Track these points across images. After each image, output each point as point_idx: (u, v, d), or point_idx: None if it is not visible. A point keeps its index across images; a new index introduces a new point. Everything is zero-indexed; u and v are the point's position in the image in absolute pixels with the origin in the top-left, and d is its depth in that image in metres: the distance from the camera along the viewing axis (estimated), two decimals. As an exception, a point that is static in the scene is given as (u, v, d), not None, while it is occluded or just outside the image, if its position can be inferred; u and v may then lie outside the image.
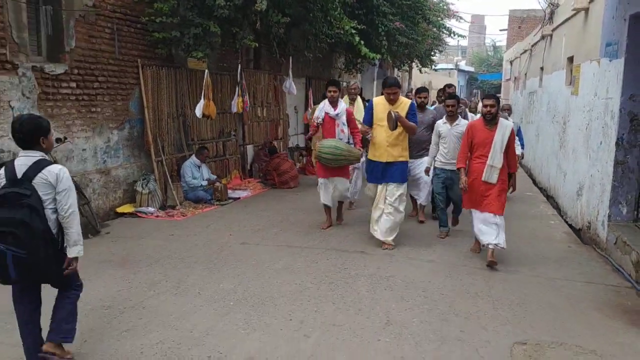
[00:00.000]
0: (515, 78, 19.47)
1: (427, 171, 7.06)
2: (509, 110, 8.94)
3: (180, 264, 5.56)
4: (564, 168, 8.99)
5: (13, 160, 3.30)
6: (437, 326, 4.18)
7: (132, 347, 3.73)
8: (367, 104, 6.97)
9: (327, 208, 7.20)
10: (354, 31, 9.99)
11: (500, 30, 36.30)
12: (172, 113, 8.80)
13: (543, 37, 11.98)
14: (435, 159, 6.88)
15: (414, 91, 11.63)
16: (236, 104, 9.22)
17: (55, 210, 3.25)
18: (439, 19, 16.97)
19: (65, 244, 3.29)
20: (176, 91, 8.91)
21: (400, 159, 6.26)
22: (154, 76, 8.33)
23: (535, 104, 13.35)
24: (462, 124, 6.64)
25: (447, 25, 16.60)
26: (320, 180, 7.00)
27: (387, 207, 6.24)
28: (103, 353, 3.66)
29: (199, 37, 7.96)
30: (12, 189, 3.16)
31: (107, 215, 7.53)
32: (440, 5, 19.30)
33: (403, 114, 6.08)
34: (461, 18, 23.20)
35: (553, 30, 11.04)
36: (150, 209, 7.89)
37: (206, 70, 8.46)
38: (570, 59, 9.18)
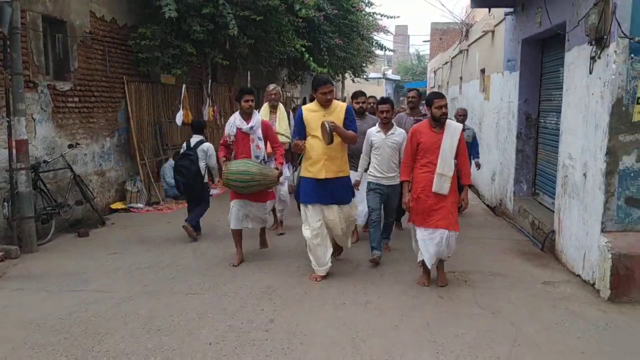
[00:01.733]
0: (439, 86, 21.77)
1: (356, 185, 6.02)
2: (464, 115, 8.48)
3: (186, 239, 6.93)
4: (481, 160, 10.98)
5: (189, 138, 7.26)
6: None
7: (182, 285, 5.13)
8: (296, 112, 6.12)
9: (237, 237, 5.89)
10: (303, 49, 11.63)
11: (424, 41, 38.83)
12: (150, 122, 10.10)
13: (461, 51, 14.10)
14: (369, 172, 5.99)
15: (347, 98, 13.26)
16: (207, 113, 10.62)
17: (205, 162, 7.04)
18: (371, 34, 18.98)
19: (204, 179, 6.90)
20: (153, 103, 10.22)
21: (341, 174, 5.27)
22: (136, 90, 9.62)
23: (455, 108, 15.47)
24: (397, 133, 5.87)
25: (379, 40, 18.66)
26: (232, 203, 5.80)
27: (339, 226, 5.37)
28: (159, 290, 5.04)
29: (177, 56, 9.37)
30: (187, 151, 7.06)
31: (104, 211, 8.73)
32: (370, 19, 21.36)
33: (339, 121, 5.15)
34: (388, 31, 25.52)
35: (469, 45, 13.15)
36: (140, 205, 9.17)
37: (184, 85, 9.85)
38: (483, 71, 11.23)
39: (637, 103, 4.71)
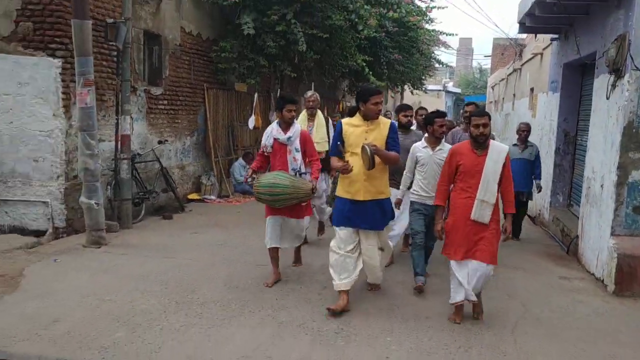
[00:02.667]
0: (495, 101, 22.30)
1: (397, 203, 5.66)
2: (526, 130, 8.03)
3: (253, 226, 8.05)
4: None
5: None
6: None
7: (251, 258, 6.24)
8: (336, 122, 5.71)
9: (274, 255, 5.55)
10: (364, 63, 12.67)
11: (485, 56, 39.23)
12: (224, 124, 11.39)
13: (514, 70, 14.77)
14: (412, 191, 5.56)
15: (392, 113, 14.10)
16: (275, 119, 11.80)
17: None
18: (431, 50, 19.80)
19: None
20: (228, 108, 11.51)
21: (381, 196, 4.77)
22: (214, 96, 10.93)
23: (509, 124, 16.09)
24: (446, 149, 5.26)
25: (437, 57, 19.47)
26: (267, 219, 5.50)
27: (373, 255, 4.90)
28: (234, 260, 6.17)
29: (251, 68, 10.62)
30: None
31: (183, 200, 10.03)
32: (432, 34, 22.14)
33: (382, 137, 4.70)
34: (449, 46, 26.19)
35: (521, 65, 13.83)
36: (212, 197, 10.43)
37: (256, 93, 11.10)
38: (532, 90, 11.92)
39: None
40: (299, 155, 5.46)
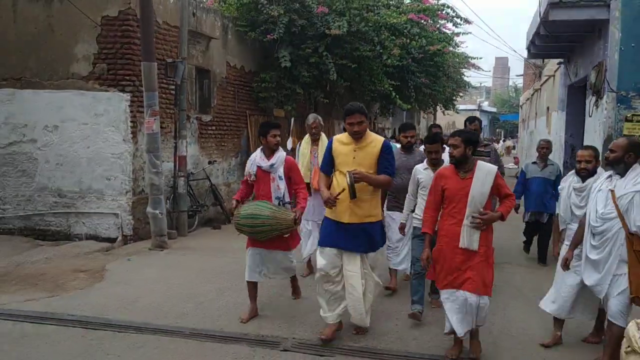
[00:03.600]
0: (523, 120, 23.08)
1: (401, 228, 5.55)
2: (546, 148, 7.14)
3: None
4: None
5: None
6: None
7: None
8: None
9: (251, 289, 5.26)
10: (390, 88, 13.81)
11: (517, 75, 39.52)
12: (265, 147, 12.68)
13: (535, 90, 15.67)
14: (415, 215, 5.29)
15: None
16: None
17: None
18: (460, 72, 20.79)
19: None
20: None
21: (369, 219, 4.49)
22: (255, 122, 12.23)
23: (533, 142, 16.91)
24: None
25: (465, 79, 20.45)
26: (247, 250, 5.24)
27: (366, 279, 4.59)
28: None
29: (288, 95, 11.90)
30: None
31: (228, 213, 11.29)
32: (458, 58, 23.09)
33: (371, 157, 4.45)
34: (480, 68, 27.11)
35: (540, 85, 14.74)
36: (255, 211, 11.67)
37: (292, 118, 12.35)
38: (548, 108, 12.83)
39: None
40: (282, 184, 5.10)
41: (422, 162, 5.42)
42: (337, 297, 4.57)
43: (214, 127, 10.82)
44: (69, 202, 8.59)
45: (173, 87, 9.13)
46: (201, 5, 10.36)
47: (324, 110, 15.57)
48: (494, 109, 55.95)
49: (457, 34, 17.67)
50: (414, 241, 5.23)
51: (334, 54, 11.64)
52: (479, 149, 5.52)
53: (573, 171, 4.78)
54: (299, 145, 6.85)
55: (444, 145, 5.38)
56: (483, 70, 41.26)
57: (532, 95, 17.50)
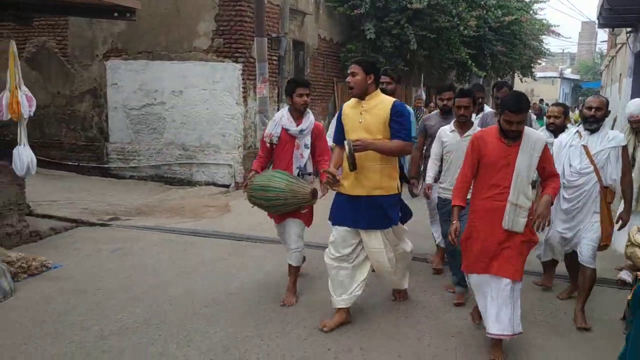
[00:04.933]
0: (602, 87, 23.13)
1: (427, 188, 4.97)
2: (539, 111, 6.47)
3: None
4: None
5: None
6: None
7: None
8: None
9: (291, 270, 4.70)
10: (467, 57, 14.75)
11: (601, 41, 38.16)
12: (349, 111, 14.10)
13: (612, 57, 16.07)
14: (439, 184, 4.82)
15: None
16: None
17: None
18: (537, 40, 21.10)
19: None
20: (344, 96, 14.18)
21: (377, 192, 3.97)
22: (341, 88, 13.64)
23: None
24: None
25: (542, 47, 20.80)
26: (276, 226, 4.83)
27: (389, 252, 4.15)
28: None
29: (372, 64, 13.19)
30: None
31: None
32: (539, 25, 23.24)
33: (380, 120, 3.90)
34: (559, 34, 27.00)
35: (616, 53, 15.18)
36: (340, 168, 13.17)
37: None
38: (620, 75, 13.40)
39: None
40: (307, 153, 4.52)
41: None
42: (349, 281, 4.09)
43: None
44: (191, 155, 10.39)
45: (276, 58, 10.65)
46: (298, -15, 11.78)
47: (402, 77, 16.74)
48: (577, 76, 54.21)
49: (536, 1, 18.18)
50: (440, 217, 4.84)
51: (414, 25, 12.75)
52: None
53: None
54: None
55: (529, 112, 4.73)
56: (563, 37, 40.36)
57: (610, 62, 17.79)
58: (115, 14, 6.04)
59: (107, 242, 6.29)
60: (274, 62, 10.70)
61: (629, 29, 10.65)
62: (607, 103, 4.26)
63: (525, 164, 3.55)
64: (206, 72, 10.09)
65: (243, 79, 9.95)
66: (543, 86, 39.50)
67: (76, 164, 10.93)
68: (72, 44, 10.86)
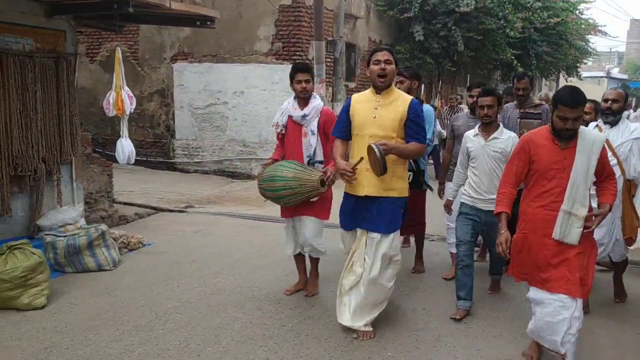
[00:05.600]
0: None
1: (447, 206, 4.82)
2: (545, 100, 6.48)
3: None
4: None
5: None
6: None
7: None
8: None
9: (298, 264, 4.69)
10: (512, 57, 15.12)
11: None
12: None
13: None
14: (463, 190, 4.48)
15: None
16: (437, 105, 14.84)
17: None
18: (583, 39, 21.19)
19: None
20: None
21: (390, 193, 3.74)
22: (390, 88, 14.23)
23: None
24: (504, 138, 4.27)
25: (588, 46, 20.88)
26: (284, 221, 4.65)
27: (364, 270, 3.76)
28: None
29: (420, 65, 13.74)
30: None
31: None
32: (585, 24, 23.24)
33: (396, 118, 3.68)
34: (606, 34, 26.84)
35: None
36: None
37: (422, 85, 14.21)
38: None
39: None
40: (314, 140, 4.32)
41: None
42: (353, 286, 3.82)
43: (357, 92, 12.92)
44: (251, 151, 11.18)
45: (330, 60, 11.34)
46: (350, -10, 12.45)
47: (448, 77, 17.23)
48: (624, 76, 53.05)
49: (582, 1, 18.35)
50: (458, 220, 4.40)
51: (461, 27, 13.26)
52: (527, 110, 5.10)
53: None
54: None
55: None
56: (610, 36, 39.61)
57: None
58: (198, 23, 6.80)
59: (188, 225, 7.09)
60: (329, 63, 11.38)
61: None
62: (626, 95, 4.24)
63: (583, 168, 3.18)
64: (266, 73, 10.84)
65: (300, 80, 10.66)
66: (589, 85, 38.87)
67: (145, 159, 11.85)
68: (143, 48, 11.81)
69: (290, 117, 4.41)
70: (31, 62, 5.74)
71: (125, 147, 6.18)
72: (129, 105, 5.98)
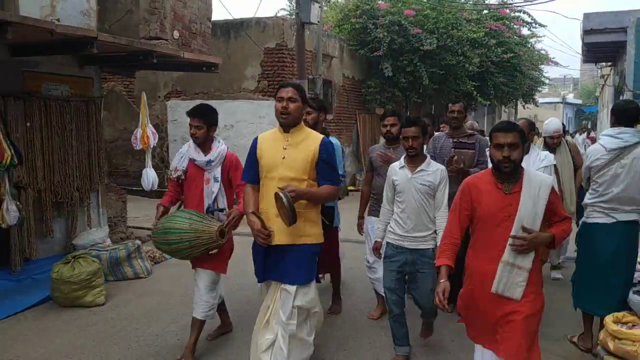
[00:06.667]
0: (598, 110, 25.00)
1: (375, 249, 4.23)
2: (471, 129, 5.70)
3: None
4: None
5: None
6: None
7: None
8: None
9: (194, 324, 4.17)
10: (472, 88, 16.68)
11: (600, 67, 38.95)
12: (370, 137, 16.02)
13: (602, 86, 17.98)
14: (389, 228, 4.06)
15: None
16: (405, 133, 16.25)
17: None
18: (537, 69, 23.07)
19: None
20: (371, 127, 16.13)
21: (304, 240, 3.41)
22: (362, 119, 15.59)
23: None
24: (432, 170, 3.94)
25: (540, 75, 22.80)
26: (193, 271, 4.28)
27: (280, 326, 3.39)
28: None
29: (389, 97, 15.16)
30: None
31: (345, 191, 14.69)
32: (537, 56, 25.14)
33: (307, 158, 3.37)
34: (557, 63, 29.02)
35: (605, 81, 17.09)
36: (364, 188, 15.02)
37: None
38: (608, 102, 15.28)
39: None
40: (217, 187, 4.07)
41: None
42: (270, 344, 3.44)
43: (334, 124, 14.25)
44: (241, 178, 12.25)
45: (310, 94, 12.61)
46: (326, 33, 13.83)
47: (415, 108, 18.74)
48: (579, 101, 55.91)
49: (533, 36, 20.20)
50: (384, 263, 4.05)
51: (425, 64, 14.72)
52: (461, 139, 4.84)
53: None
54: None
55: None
56: (562, 65, 42.21)
57: (601, 90, 19.70)
58: (204, 68, 7.96)
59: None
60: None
61: (608, 64, 12.51)
62: (531, 124, 4.67)
63: (529, 215, 2.88)
64: (253, 109, 12.03)
65: (284, 114, 11.88)
66: (546, 111, 41.25)
67: (140, 189, 12.80)
68: (138, 87, 12.89)
69: (192, 161, 4.15)
70: (68, 105, 6.82)
71: (149, 176, 7.24)
72: (153, 140, 7.05)
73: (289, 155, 3.41)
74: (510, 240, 2.88)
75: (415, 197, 3.91)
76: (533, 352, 2.89)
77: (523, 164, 3.01)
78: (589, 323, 4.31)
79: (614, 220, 4.08)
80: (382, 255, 4.12)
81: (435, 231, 3.91)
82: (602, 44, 9.60)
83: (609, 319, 3.96)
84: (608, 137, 4.19)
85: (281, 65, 11.81)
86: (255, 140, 3.64)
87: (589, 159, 4.26)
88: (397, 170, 4.03)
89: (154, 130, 7.18)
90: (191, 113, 4.17)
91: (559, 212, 3.04)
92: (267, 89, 11.93)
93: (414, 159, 3.98)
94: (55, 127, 6.65)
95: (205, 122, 4.16)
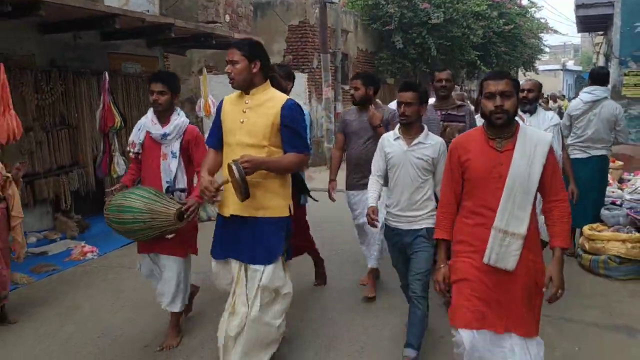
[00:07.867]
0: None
1: (370, 219, 3.48)
2: (461, 98, 5.78)
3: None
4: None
5: None
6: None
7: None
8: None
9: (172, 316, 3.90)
10: (476, 58, 17.93)
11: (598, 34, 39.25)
12: (382, 107, 17.35)
13: (597, 53, 19.17)
14: (387, 206, 3.62)
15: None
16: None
17: None
18: (537, 38, 24.21)
19: None
20: (382, 97, 17.41)
21: (264, 213, 3.08)
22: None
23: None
24: (431, 143, 3.46)
25: (540, 44, 23.97)
26: (138, 256, 3.95)
27: (247, 308, 3.08)
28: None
29: (399, 68, 16.44)
30: None
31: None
32: (537, 25, 26.22)
33: (267, 124, 3.05)
34: (556, 31, 30.08)
35: (599, 49, 18.30)
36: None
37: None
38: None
39: (624, 86, 10.43)
40: (175, 163, 3.70)
41: (389, 124, 4.07)
42: (240, 331, 3.12)
43: (349, 95, 15.54)
44: (270, 144, 13.64)
45: (331, 68, 13.93)
46: (342, 10, 15.06)
47: (423, 77, 20.03)
48: (579, 68, 56.55)
49: (532, 6, 21.37)
50: (392, 247, 3.71)
51: (433, 36, 15.95)
52: (450, 112, 4.51)
53: None
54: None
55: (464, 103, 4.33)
56: (561, 33, 42.94)
57: (597, 58, 20.88)
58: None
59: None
60: (329, 70, 13.98)
61: (601, 32, 13.70)
62: (539, 85, 4.62)
63: (522, 175, 2.57)
64: (279, 81, 13.32)
65: (308, 85, 13.23)
66: (546, 78, 41.98)
67: (178, 156, 14.22)
68: (174, 64, 14.17)
69: (148, 134, 3.74)
70: (142, 81, 8.18)
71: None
72: (213, 108, 8.42)
73: (248, 119, 3.08)
74: (501, 204, 2.57)
75: (410, 173, 3.43)
76: (534, 325, 2.64)
77: (533, 125, 2.94)
78: (572, 234, 5.73)
79: (589, 155, 5.53)
80: (379, 228, 3.71)
81: (435, 208, 3.33)
82: (592, 17, 10.84)
83: (586, 228, 5.41)
84: (585, 93, 5.62)
85: (304, 41, 13.09)
86: (220, 102, 3.29)
87: (570, 109, 5.68)
88: (392, 142, 3.52)
89: (214, 100, 8.52)
90: (153, 78, 3.77)
91: (556, 182, 2.64)
92: (292, 63, 13.22)
93: (409, 130, 3.48)
94: (133, 99, 8.04)
95: (169, 87, 3.71)
